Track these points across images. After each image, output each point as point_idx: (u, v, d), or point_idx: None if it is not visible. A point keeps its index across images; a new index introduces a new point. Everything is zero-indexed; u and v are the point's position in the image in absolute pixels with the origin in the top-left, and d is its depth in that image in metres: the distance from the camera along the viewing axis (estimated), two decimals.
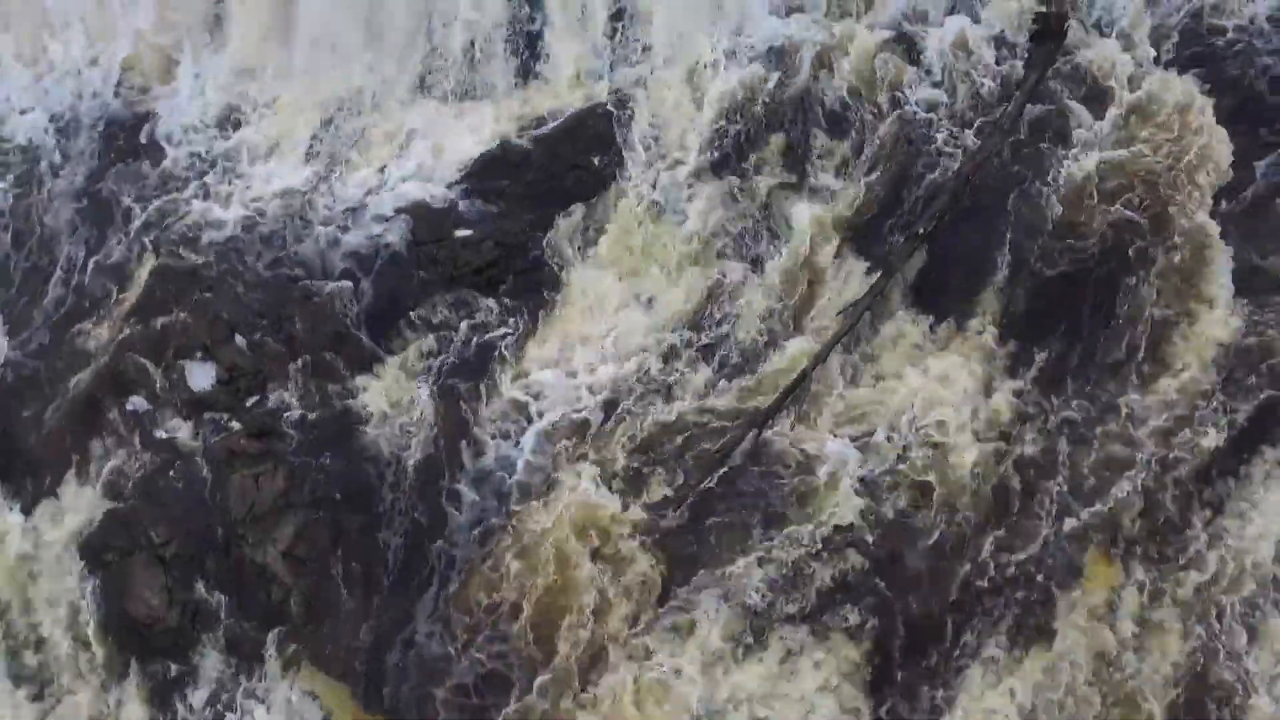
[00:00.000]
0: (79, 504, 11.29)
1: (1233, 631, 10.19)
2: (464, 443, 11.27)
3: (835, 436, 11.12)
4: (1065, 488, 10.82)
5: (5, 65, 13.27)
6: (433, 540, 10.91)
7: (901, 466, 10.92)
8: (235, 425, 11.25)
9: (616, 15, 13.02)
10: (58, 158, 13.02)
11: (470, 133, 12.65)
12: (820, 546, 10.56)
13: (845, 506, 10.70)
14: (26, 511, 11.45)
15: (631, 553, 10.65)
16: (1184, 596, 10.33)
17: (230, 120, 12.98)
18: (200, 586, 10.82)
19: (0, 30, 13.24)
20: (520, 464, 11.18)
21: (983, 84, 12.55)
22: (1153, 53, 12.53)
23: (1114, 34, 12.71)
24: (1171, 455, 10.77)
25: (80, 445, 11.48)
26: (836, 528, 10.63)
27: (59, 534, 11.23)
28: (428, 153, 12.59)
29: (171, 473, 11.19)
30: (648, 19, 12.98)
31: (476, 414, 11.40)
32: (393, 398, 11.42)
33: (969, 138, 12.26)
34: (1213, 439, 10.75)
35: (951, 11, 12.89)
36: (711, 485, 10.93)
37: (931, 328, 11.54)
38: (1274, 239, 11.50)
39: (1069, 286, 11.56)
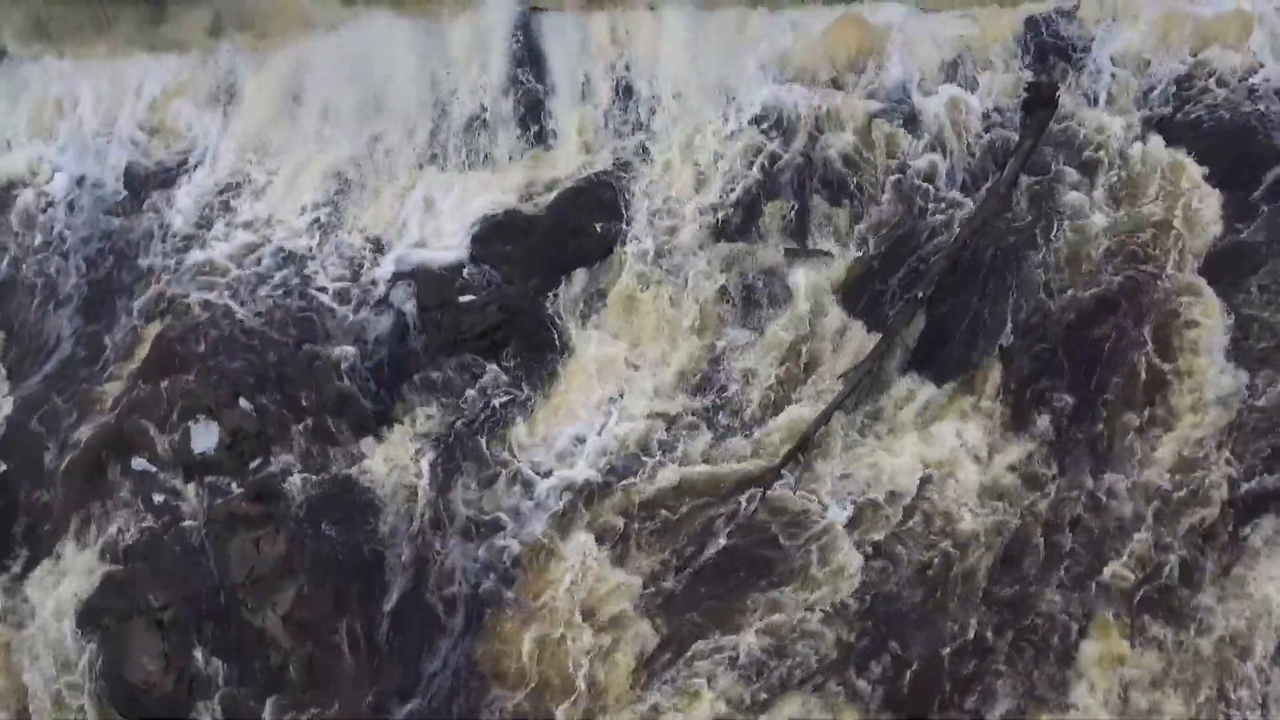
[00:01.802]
0: (77, 566, 11.18)
1: (1244, 692, 10.08)
2: (466, 507, 11.26)
3: (838, 500, 11.12)
4: (1071, 550, 10.78)
5: (18, 137, 13.48)
6: (434, 606, 10.84)
7: (905, 530, 10.91)
8: (237, 488, 11.22)
9: (619, 84, 13.31)
10: (69, 222, 13.16)
11: (475, 199, 12.79)
12: (824, 611, 10.49)
13: (848, 571, 10.66)
14: (25, 573, 11.37)
15: (633, 618, 10.59)
16: (1195, 657, 10.23)
17: (238, 187, 13.14)
18: (198, 652, 10.68)
19: (11, 105, 13.47)
20: (522, 528, 11.14)
21: (978, 151, 12.83)
22: (1142, 119, 12.82)
23: (1104, 102, 13.03)
24: (1177, 515, 10.75)
25: (81, 506, 11.38)
26: (840, 592, 10.57)
27: (57, 597, 11.13)
28: (433, 219, 12.74)
29: (171, 535, 11.11)
30: (650, 87, 13.27)
31: (479, 478, 11.40)
32: (396, 462, 11.40)
33: (966, 203, 12.49)
34: (1218, 497, 10.75)
35: (946, 81, 13.21)
36: (714, 550, 10.90)
37: (933, 391, 11.61)
38: (1265, 299, 11.65)
39: (1068, 349, 11.66)
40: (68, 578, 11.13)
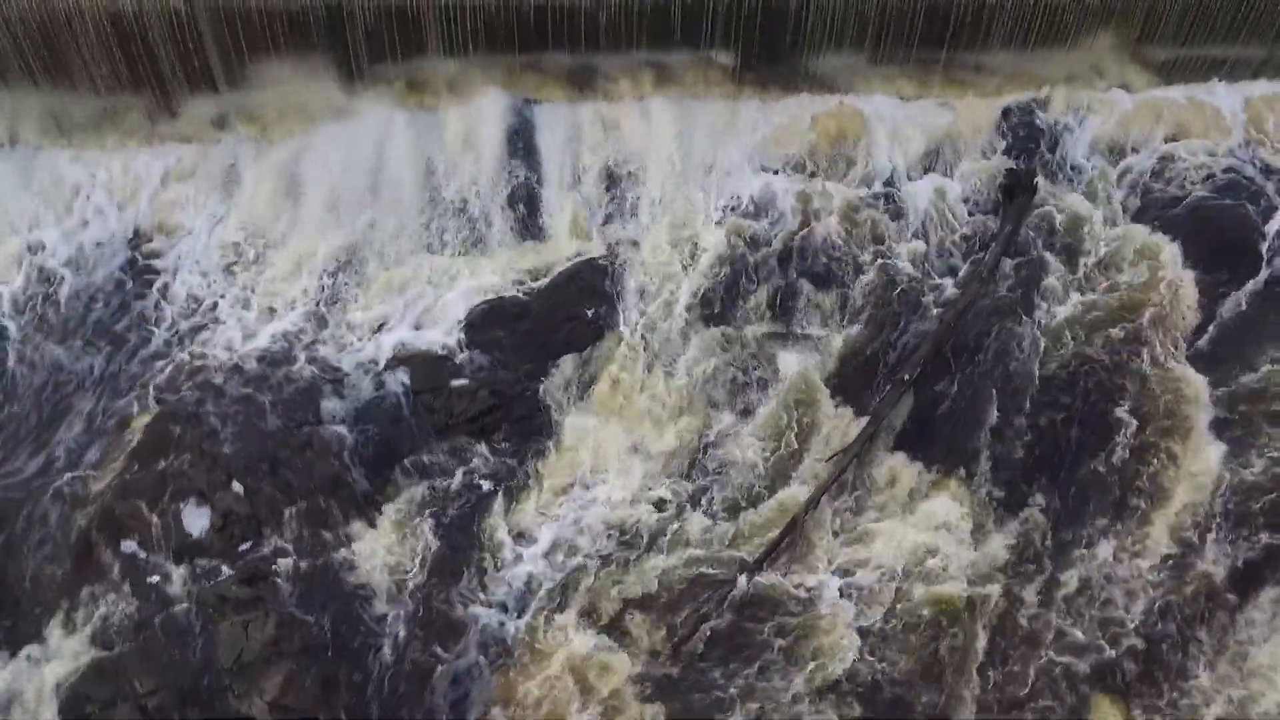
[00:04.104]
0: (64, 651, 11.07)
1: None
2: (457, 591, 11.23)
3: (828, 583, 11.12)
4: (1064, 632, 10.79)
5: (25, 221, 13.66)
6: (424, 691, 10.73)
7: (896, 613, 10.91)
8: (227, 571, 11.18)
9: (609, 172, 13.62)
10: (70, 302, 13.31)
11: (468, 285, 12.98)
12: (817, 694, 10.44)
13: (840, 653, 10.65)
14: (10, 658, 11.23)
15: (625, 703, 10.50)
16: None
17: (235, 271, 13.31)
18: None
19: (21, 190, 13.73)
20: (513, 612, 11.10)
21: (960, 237, 13.13)
22: (1120, 205, 13.15)
23: (1083, 188, 13.38)
24: (1172, 592, 10.79)
25: (70, 590, 11.31)
26: (832, 675, 10.54)
27: (40, 683, 10.99)
28: (427, 304, 12.90)
29: (160, 620, 11.03)
30: (639, 176, 13.59)
31: (470, 562, 11.37)
32: (387, 545, 11.36)
33: (949, 287, 12.74)
34: (1212, 573, 10.80)
35: (928, 168, 13.58)
36: (705, 634, 10.86)
37: (921, 473, 11.70)
38: (1245, 376, 11.81)
39: (1055, 430, 11.78)
40: (53, 663, 11.01)
